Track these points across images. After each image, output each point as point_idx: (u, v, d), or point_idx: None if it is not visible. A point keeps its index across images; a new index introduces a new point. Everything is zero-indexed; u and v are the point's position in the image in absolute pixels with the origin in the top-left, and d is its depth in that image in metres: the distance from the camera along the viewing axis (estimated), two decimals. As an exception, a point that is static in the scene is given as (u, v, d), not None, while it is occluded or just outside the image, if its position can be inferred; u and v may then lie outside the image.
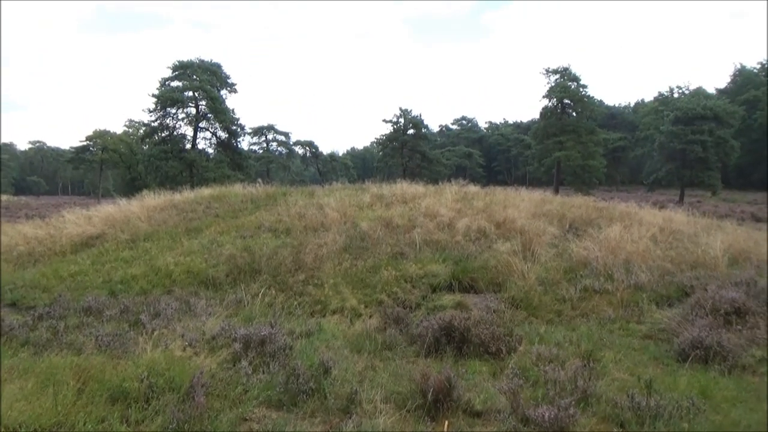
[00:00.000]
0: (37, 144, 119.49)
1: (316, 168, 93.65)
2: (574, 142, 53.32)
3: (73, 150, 79.16)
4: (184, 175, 46.12)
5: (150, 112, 47.18)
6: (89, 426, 4.52)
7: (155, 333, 7.05)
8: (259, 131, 78.78)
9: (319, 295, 9.80)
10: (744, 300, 8.10)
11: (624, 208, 17.73)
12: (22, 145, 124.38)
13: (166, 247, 13.40)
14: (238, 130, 50.64)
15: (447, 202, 15.85)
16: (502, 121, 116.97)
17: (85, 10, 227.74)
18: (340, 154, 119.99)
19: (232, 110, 49.95)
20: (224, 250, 12.32)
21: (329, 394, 5.33)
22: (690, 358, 6.60)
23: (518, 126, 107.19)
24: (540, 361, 6.32)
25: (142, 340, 6.75)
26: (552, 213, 15.44)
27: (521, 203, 16.28)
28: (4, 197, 62.31)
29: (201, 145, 50.48)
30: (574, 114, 57.91)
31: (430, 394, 5.02)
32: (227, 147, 50.57)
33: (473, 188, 19.97)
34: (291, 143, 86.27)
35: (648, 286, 9.74)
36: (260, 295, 9.68)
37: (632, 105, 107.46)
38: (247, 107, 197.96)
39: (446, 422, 4.83)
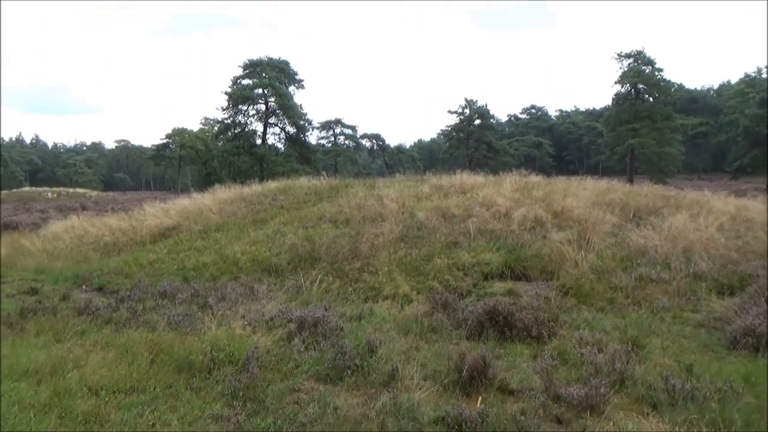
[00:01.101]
0: (122, 143, 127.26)
1: (383, 160, 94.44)
2: (649, 129, 51.05)
3: (154, 148, 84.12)
4: (255, 169, 47.89)
5: (223, 109, 49.40)
6: (158, 390, 5.11)
7: (219, 314, 7.70)
8: (326, 125, 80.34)
9: (373, 282, 10.21)
10: (808, 289, 7.81)
11: (694, 196, 17.02)
12: (109, 144, 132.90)
13: (234, 237, 14.23)
14: (306, 125, 52.07)
15: (505, 192, 15.83)
16: (573, 109, 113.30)
17: (160, 13, 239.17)
18: (408, 147, 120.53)
19: (300, 106, 51.38)
20: (287, 240, 12.97)
21: (372, 370, 5.71)
22: (739, 346, 6.50)
23: (590, 113, 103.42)
24: (582, 345, 6.42)
25: (207, 320, 7.40)
26: (615, 202, 15.09)
27: (582, 192, 16.00)
28: (93, 193, 67.20)
29: (271, 140, 52.31)
30: (649, 99, 55.47)
31: (465, 371, 5.30)
32: (295, 142, 52.10)
33: (535, 178, 19.73)
34: (358, 136, 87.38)
35: (708, 275, 9.49)
36: (317, 281, 10.21)
37: (716, 87, 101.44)
38: (316, 102, 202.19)
39: (479, 398, 5.08)
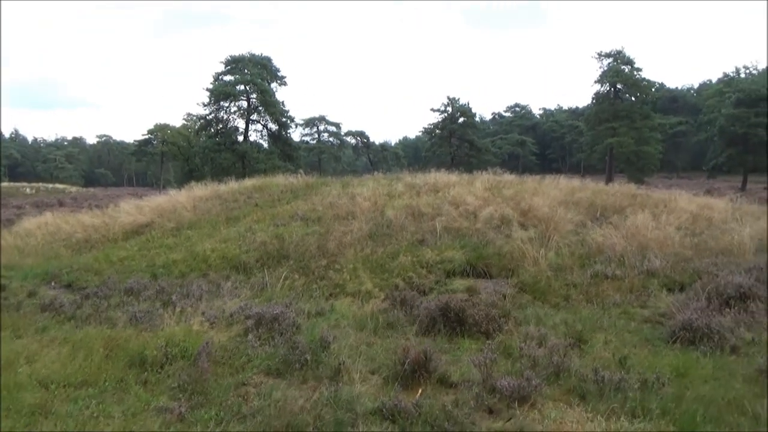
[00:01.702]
0: (104, 138, 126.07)
1: (368, 158, 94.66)
2: (628, 128, 51.80)
3: (135, 143, 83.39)
4: (236, 166, 47.79)
5: (204, 105, 49.20)
6: (108, 384, 5.27)
7: (179, 311, 7.85)
8: (310, 122, 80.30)
9: (338, 279, 10.41)
10: (750, 285, 8.14)
11: (661, 195, 17.45)
12: (91, 139, 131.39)
13: (206, 234, 14.34)
14: (288, 121, 52.04)
15: (476, 191, 16.10)
16: (557, 107, 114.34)
17: (150, 11, 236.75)
18: (393, 144, 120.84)
19: (282, 102, 51.37)
20: (257, 238, 13.11)
21: (321, 365, 5.92)
22: (677, 340, 6.81)
23: (573, 112, 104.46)
24: (527, 340, 6.69)
25: (167, 317, 7.55)
26: (582, 201, 15.46)
27: (552, 191, 16.34)
28: (73, 188, 66.57)
29: (253, 137, 52.18)
30: (629, 98, 56.22)
31: (407, 365, 5.52)
32: (278, 138, 52.06)
33: (508, 177, 20.08)
34: (342, 134, 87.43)
35: (660, 272, 9.83)
36: (283, 278, 10.38)
37: (696, 87, 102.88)
38: (302, 99, 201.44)
39: (419, 390, 5.31)
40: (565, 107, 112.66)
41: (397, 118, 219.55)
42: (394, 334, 7.30)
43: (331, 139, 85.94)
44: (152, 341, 6.31)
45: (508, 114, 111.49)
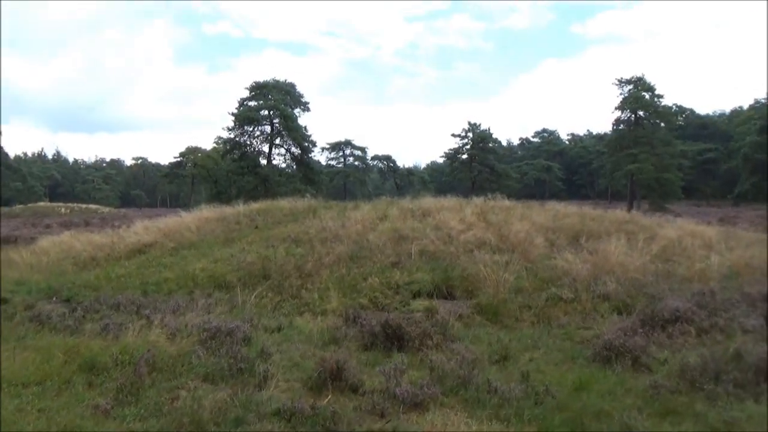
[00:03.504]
0: (140, 160, 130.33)
1: (394, 182, 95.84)
2: (648, 155, 51.52)
3: (168, 166, 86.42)
4: (259, 189, 49.30)
5: (229, 130, 51.05)
6: (55, 384, 5.99)
7: (145, 323, 8.56)
8: (336, 146, 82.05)
9: (308, 298, 11.05)
10: (687, 309, 8.47)
11: (648, 222, 17.69)
12: (128, 161, 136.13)
13: (202, 254, 15.18)
14: (310, 146, 53.47)
15: (465, 216, 16.63)
16: (586, 133, 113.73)
17: (182, 37, 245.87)
18: (422, 168, 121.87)
19: (305, 127, 52.86)
20: (247, 258, 13.86)
21: (252, 373, 6.53)
22: (597, 358, 7.22)
23: (601, 138, 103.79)
24: (454, 356, 7.19)
25: (132, 328, 8.27)
26: (565, 227, 15.84)
27: (538, 217, 16.76)
28: (106, 209, 69.17)
29: (276, 160, 53.73)
30: (651, 124, 55.96)
31: (320, 374, 6.11)
32: (300, 162, 53.48)
33: (505, 202, 20.50)
34: (368, 158, 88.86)
35: (614, 295, 10.19)
36: (255, 296, 11.07)
37: (728, 113, 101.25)
38: (329, 123, 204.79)
39: (329, 396, 5.88)
40: (594, 132, 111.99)
41: (426, 143, 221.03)
42: (336, 348, 7.87)
43: (357, 163, 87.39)
44: (108, 349, 7.03)
45: (535, 139, 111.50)
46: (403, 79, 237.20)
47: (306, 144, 53.06)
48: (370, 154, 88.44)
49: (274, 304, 10.97)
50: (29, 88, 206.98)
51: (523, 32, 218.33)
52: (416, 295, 11.13)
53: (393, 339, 7.85)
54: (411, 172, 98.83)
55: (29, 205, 67.19)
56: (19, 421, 4.92)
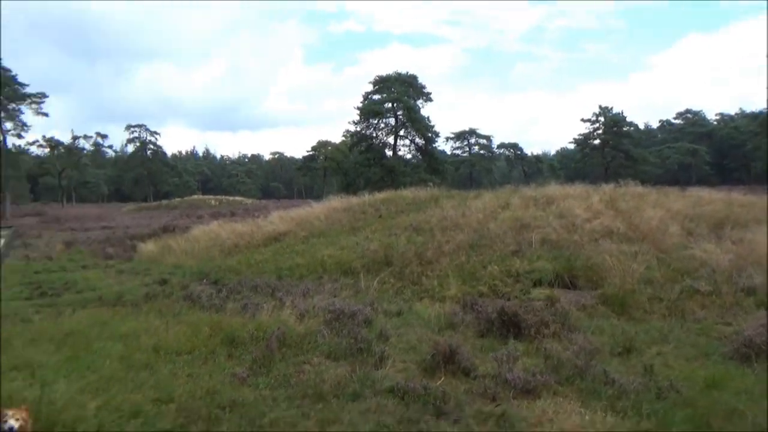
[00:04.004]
0: (277, 155, 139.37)
1: (522, 170, 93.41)
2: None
3: (301, 159, 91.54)
4: (385, 180, 50.60)
5: (355, 123, 52.87)
6: (203, 353, 6.82)
7: (278, 304, 9.34)
8: (461, 136, 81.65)
9: (428, 285, 11.32)
10: None
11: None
12: (267, 156, 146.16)
13: (329, 242, 16.09)
14: (434, 136, 53.74)
15: (591, 204, 15.96)
16: (738, 112, 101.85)
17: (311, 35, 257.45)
18: (552, 154, 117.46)
19: (428, 118, 53.23)
20: (371, 246, 14.48)
21: (371, 353, 6.93)
22: (736, 356, 6.70)
23: (756, 117, 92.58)
24: (571, 345, 7.07)
25: (266, 308, 9.08)
26: (706, 214, 14.60)
27: (675, 204, 15.61)
28: (249, 201, 74.93)
29: (401, 151, 54.72)
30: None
31: (434, 356, 6.34)
32: (424, 153, 54.02)
33: (637, 189, 19.32)
34: (493, 146, 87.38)
35: (761, 290, 9.30)
36: (377, 281, 11.56)
37: None
38: (456, 113, 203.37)
39: (441, 378, 6.09)
40: (747, 111, 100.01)
41: (555, 129, 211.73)
42: (452, 333, 8.05)
43: (482, 151, 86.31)
44: (246, 326, 7.82)
45: (678, 121, 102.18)
46: (528, 65, 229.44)
47: (429, 134, 53.49)
48: (495, 142, 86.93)
49: (396, 290, 11.38)
50: (182, 93, 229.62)
51: (659, 7, 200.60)
52: (537, 283, 10.95)
53: (509, 326, 7.85)
54: (539, 159, 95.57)
55: (185, 198, 74.70)
56: (172, 384, 5.70)
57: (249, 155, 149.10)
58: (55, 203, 77.12)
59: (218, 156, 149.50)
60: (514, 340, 7.61)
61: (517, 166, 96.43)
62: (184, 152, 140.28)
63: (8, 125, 55.22)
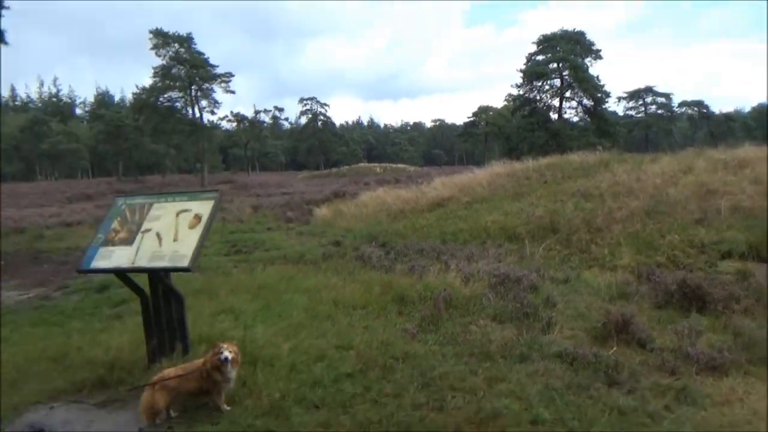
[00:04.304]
0: (438, 122, 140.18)
1: (708, 130, 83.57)
2: None
3: (462, 126, 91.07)
4: (549, 144, 48.43)
5: (518, 86, 51.02)
6: (375, 309, 7.34)
7: (444, 267, 9.63)
8: (635, 95, 74.91)
9: (597, 253, 10.83)
10: None
11: None
12: (428, 123, 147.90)
13: (493, 208, 16.02)
14: (603, 96, 49.99)
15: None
16: None
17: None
18: (746, 111, 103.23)
19: (597, 77, 49.57)
20: (536, 212, 14.17)
21: (537, 318, 6.91)
22: None
23: None
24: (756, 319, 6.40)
25: (433, 271, 9.42)
26: None
27: None
28: (412, 168, 76.61)
29: (567, 114, 51.89)
30: None
31: (605, 325, 6.13)
32: (593, 114, 50.62)
33: None
34: (673, 105, 78.93)
35: None
36: (543, 248, 11.31)
37: None
38: (630, 71, 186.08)
39: (614, 347, 5.90)
40: None
41: (752, 83, 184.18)
42: (625, 303, 7.68)
43: (660, 111, 78.45)
44: (414, 286, 8.22)
45: None
46: (715, 11, 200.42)
47: (599, 95, 49.78)
48: (676, 100, 78.31)
49: (562, 257, 11.07)
50: (346, 65, 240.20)
51: None
52: (725, 255, 9.93)
53: (691, 299, 7.29)
54: (730, 117, 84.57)
55: (352, 166, 78.62)
56: (351, 334, 6.26)
57: (411, 123, 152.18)
58: (242, 172, 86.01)
59: (382, 125, 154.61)
60: (696, 313, 7.06)
61: (702, 127, 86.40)
62: (350, 122, 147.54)
63: (203, 103, 62.43)
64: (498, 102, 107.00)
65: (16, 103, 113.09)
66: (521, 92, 51.32)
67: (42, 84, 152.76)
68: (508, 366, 5.38)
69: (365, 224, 17.98)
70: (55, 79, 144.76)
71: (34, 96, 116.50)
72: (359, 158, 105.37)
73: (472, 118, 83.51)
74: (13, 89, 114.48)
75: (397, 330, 6.59)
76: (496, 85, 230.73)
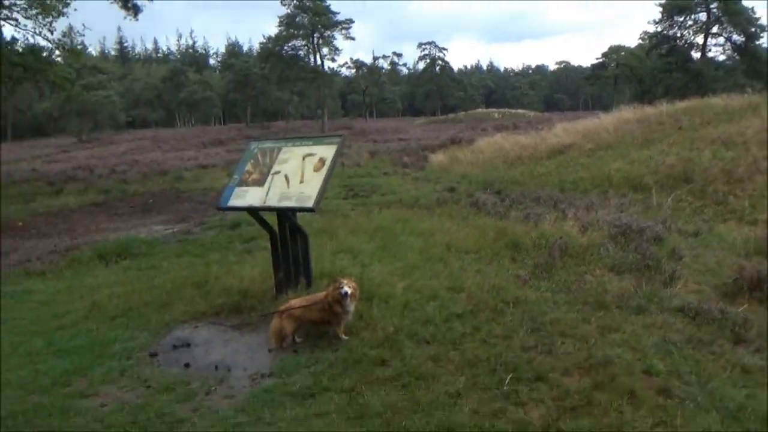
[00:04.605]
0: (563, 64, 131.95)
1: None
2: None
3: (590, 68, 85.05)
4: (689, 86, 44.01)
5: (656, 23, 46.45)
6: (488, 254, 7.41)
7: (561, 216, 9.39)
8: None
9: (736, 205, 9.99)
10: None
11: None
12: (551, 66, 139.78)
13: (618, 155, 15.15)
14: (758, 31, 44.07)
15: None
16: None
17: None
18: None
19: (751, 9, 43.69)
20: (666, 161, 13.24)
21: (660, 271, 6.62)
22: None
23: None
24: None
25: (549, 219, 9.23)
26: None
27: None
28: (532, 113, 73.45)
29: (711, 53, 46.61)
30: None
31: (736, 281, 5.75)
32: (743, 53, 44.98)
33: None
34: None
35: None
36: (671, 199, 10.60)
37: None
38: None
39: (744, 304, 5.54)
40: None
41: None
42: (763, 260, 7.09)
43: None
44: (528, 234, 8.15)
45: None
46: None
47: (752, 30, 43.83)
48: None
49: (693, 209, 10.36)
50: (467, 7, 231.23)
51: None
52: None
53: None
54: None
55: (469, 111, 77.07)
56: (462, 276, 6.40)
57: (533, 66, 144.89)
58: (360, 118, 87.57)
59: (501, 68, 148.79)
60: None
61: None
62: (468, 66, 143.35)
63: (325, 50, 63.80)
64: (631, 41, 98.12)
65: (159, 55, 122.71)
66: (659, 29, 46.60)
67: (180, 37, 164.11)
68: (623, 316, 5.27)
69: (481, 171, 17.82)
70: (191, 32, 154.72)
71: (174, 48, 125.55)
72: (477, 103, 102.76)
73: (601, 59, 77.59)
74: (155, 42, 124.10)
75: (509, 275, 6.63)
76: (630, 23, 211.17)
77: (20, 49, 20.71)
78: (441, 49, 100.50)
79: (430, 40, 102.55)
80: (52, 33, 19.28)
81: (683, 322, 5.16)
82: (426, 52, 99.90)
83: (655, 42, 48.64)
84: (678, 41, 46.95)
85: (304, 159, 5.82)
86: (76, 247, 10.01)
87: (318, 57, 63.14)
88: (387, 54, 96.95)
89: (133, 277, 7.45)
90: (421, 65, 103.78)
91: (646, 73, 51.87)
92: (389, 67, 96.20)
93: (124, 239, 9.87)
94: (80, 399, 4.15)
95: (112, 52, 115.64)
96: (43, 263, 8.96)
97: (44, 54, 21.00)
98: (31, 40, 20.60)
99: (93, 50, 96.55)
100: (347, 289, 4.79)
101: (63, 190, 18.31)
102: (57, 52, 21.33)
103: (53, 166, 27.97)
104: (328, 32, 61.06)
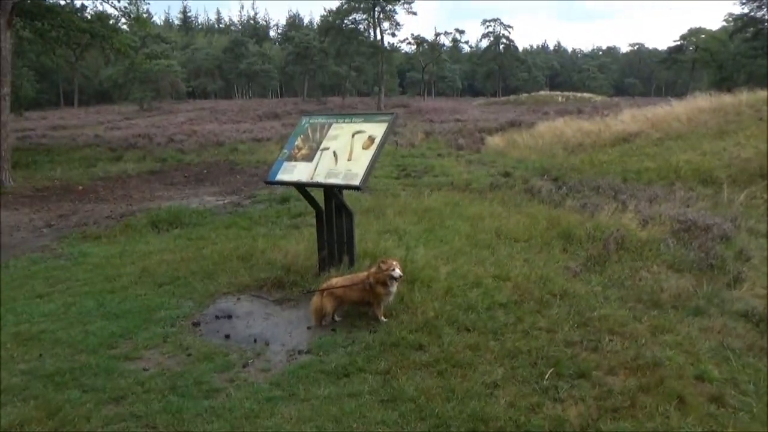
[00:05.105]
0: (636, 46, 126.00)
1: None
2: None
3: (665, 51, 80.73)
4: (774, 74, 41.13)
5: (742, 3, 43.40)
6: (538, 243, 7.17)
7: (620, 208, 8.98)
8: None
9: (816, 206, 9.26)
10: None
11: None
12: (624, 48, 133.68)
13: (689, 146, 14.36)
14: None
15: None
16: None
17: None
18: None
19: None
20: (742, 153, 12.44)
21: (723, 271, 6.23)
22: None
23: None
24: None
25: (606, 210, 8.84)
26: None
27: None
28: (598, 98, 70.44)
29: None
30: None
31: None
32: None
33: None
34: None
35: None
36: (745, 195, 9.95)
37: None
38: None
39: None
40: None
41: None
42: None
43: None
44: (583, 224, 7.84)
45: None
46: None
47: None
48: None
49: (768, 207, 9.67)
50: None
51: None
52: None
53: None
54: None
55: (532, 93, 74.81)
56: (509, 265, 6.22)
57: (603, 48, 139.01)
58: (418, 96, 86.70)
59: (569, 49, 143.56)
60: None
61: None
62: (534, 46, 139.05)
63: (385, 25, 63.09)
64: (714, 24, 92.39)
65: (221, 25, 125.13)
66: (745, 10, 43.50)
67: (242, 8, 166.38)
68: (679, 317, 4.98)
69: (539, 156, 17.29)
70: (253, 3, 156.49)
71: (236, 19, 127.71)
72: (541, 85, 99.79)
73: (678, 42, 73.49)
74: (218, 13, 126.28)
75: (559, 266, 6.40)
76: (713, 4, 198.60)
77: (89, 16, 21.46)
78: (506, 27, 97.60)
79: (495, 17, 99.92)
80: (119, 0, 19.81)
81: (745, 328, 4.84)
82: (490, 29, 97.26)
83: (740, 24, 45.49)
84: (766, 24, 43.70)
85: (353, 136, 5.76)
86: (130, 213, 10.38)
87: (378, 32, 62.55)
88: (449, 30, 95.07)
89: (182, 246, 7.64)
90: (484, 43, 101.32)
91: (727, 58, 48.82)
92: (451, 44, 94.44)
93: (176, 208, 10.14)
94: (124, 361, 4.29)
95: (176, 22, 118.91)
96: (99, 227, 9.33)
97: (111, 21, 21.66)
98: (99, 8, 21.25)
99: (158, 19, 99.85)
100: (399, 271, 4.73)
101: (123, 156, 19.02)
102: (123, 20, 21.91)
103: (115, 133, 29.10)
104: (390, 6, 60.21)
